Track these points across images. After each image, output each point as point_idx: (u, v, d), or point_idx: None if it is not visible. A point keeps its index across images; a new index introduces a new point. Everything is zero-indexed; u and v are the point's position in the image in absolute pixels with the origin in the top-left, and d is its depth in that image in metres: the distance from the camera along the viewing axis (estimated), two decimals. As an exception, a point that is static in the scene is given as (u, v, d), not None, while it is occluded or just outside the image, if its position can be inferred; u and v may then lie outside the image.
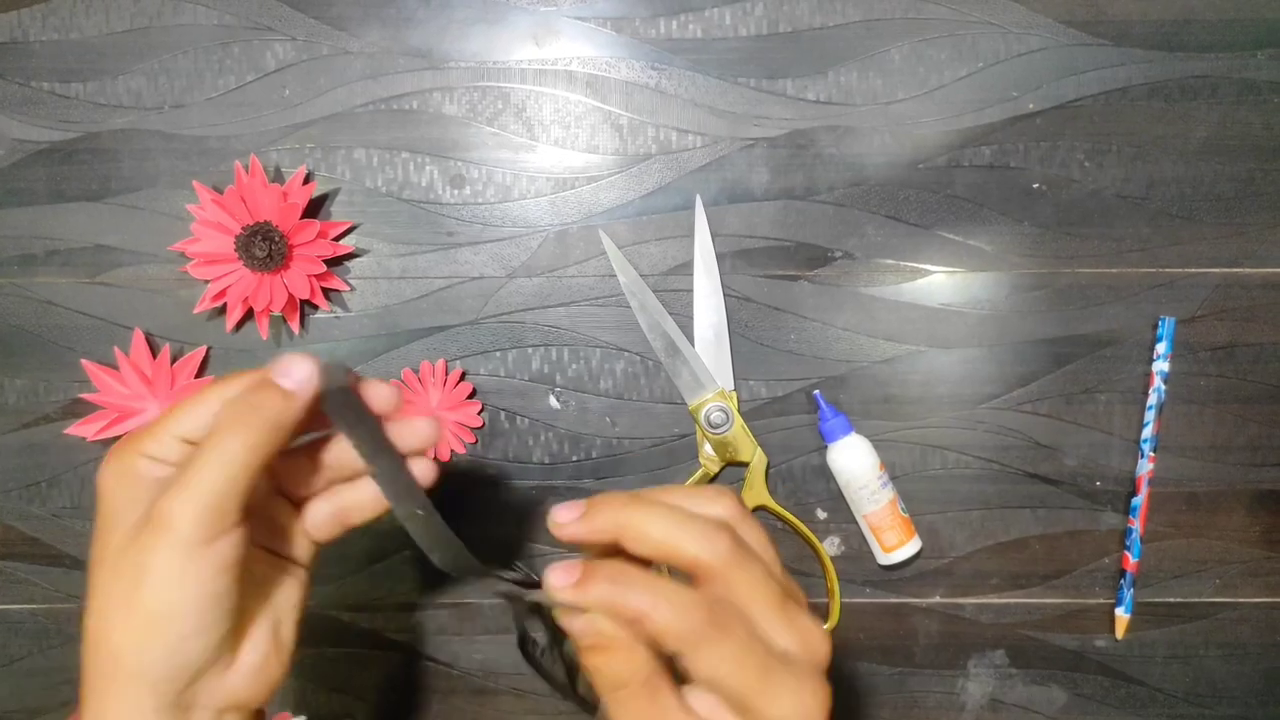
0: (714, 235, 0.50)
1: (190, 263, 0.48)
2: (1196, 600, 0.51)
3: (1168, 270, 0.50)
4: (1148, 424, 0.50)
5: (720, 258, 0.50)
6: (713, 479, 0.50)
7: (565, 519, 0.29)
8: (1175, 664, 0.51)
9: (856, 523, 0.50)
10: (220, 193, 0.48)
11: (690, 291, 0.50)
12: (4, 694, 0.51)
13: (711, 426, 0.49)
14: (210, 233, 0.48)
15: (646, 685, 0.27)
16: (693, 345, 0.50)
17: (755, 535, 0.30)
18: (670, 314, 0.50)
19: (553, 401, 0.51)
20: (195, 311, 0.49)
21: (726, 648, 0.27)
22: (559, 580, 0.28)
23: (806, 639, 0.28)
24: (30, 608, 0.51)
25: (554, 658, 0.35)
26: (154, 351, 0.49)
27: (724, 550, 0.28)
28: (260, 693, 0.31)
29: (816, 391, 0.50)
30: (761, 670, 0.27)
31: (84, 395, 0.49)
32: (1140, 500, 0.50)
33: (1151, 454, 0.50)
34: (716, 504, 0.29)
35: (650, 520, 0.28)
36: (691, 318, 0.50)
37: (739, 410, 0.50)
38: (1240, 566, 0.51)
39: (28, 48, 0.50)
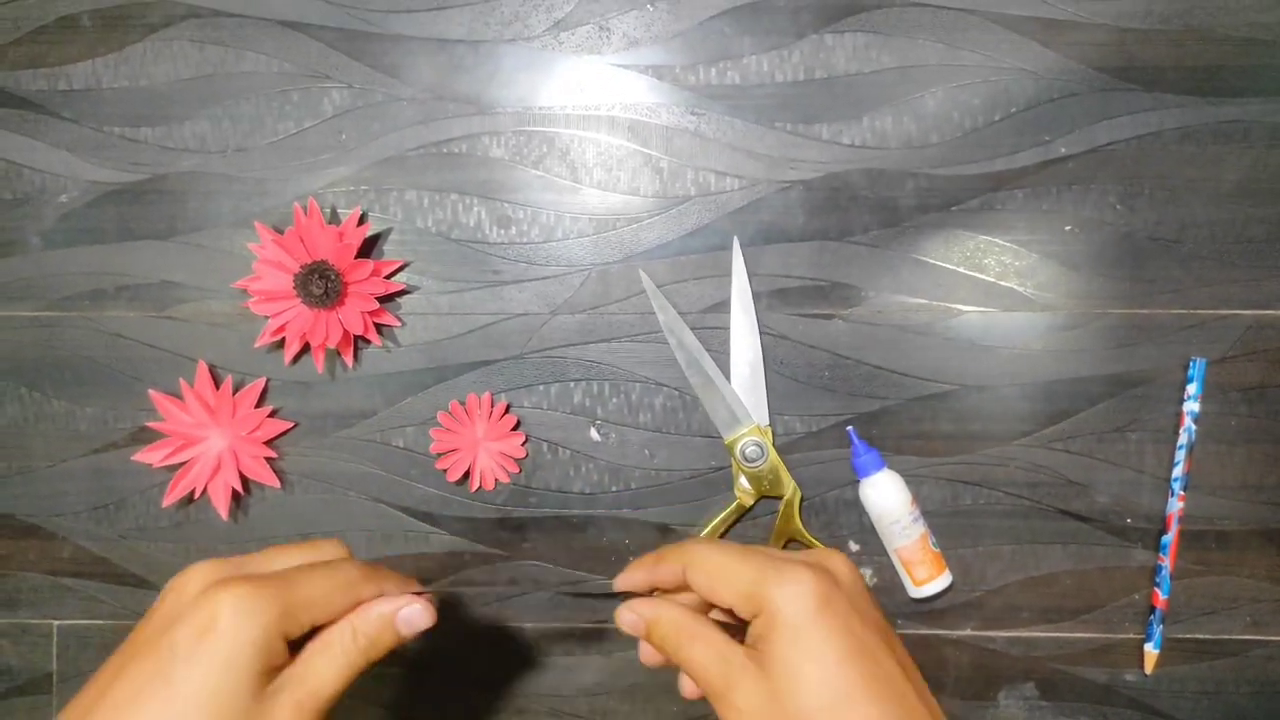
0: (751, 275, 0.52)
1: (251, 299, 0.51)
2: (1227, 637, 0.52)
3: (1199, 312, 0.51)
4: (1178, 463, 0.51)
5: (757, 296, 0.52)
6: (747, 511, 0.52)
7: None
8: (1205, 700, 0.52)
9: (888, 555, 0.51)
10: (280, 233, 0.51)
11: (727, 329, 0.52)
12: (72, 706, 0.54)
13: (747, 460, 0.51)
14: (270, 271, 0.51)
15: (685, 629, 0.34)
16: (729, 381, 0.51)
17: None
18: (708, 351, 0.51)
19: (594, 434, 0.53)
20: (256, 345, 0.52)
21: (714, 553, 0.35)
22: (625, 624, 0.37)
23: (781, 563, 0.34)
24: (98, 623, 0.54)
25: None
26: (216, 382, 0.52)
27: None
28: None
29: (850, 427, 0.51)
30: (743, 560, 0.34)
31: (150, 424, 0.52)
32: (1170, 538, 0.51)
33: (1182, 492, 0.51)
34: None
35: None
36: (728, 354, 0.52)
37: (774, 445, 0.51)
38: (1271, 604, 0.52)
39: (100, 94, 0.53)
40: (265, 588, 0.32)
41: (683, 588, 0.37)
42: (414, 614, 0.36)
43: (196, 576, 0.33)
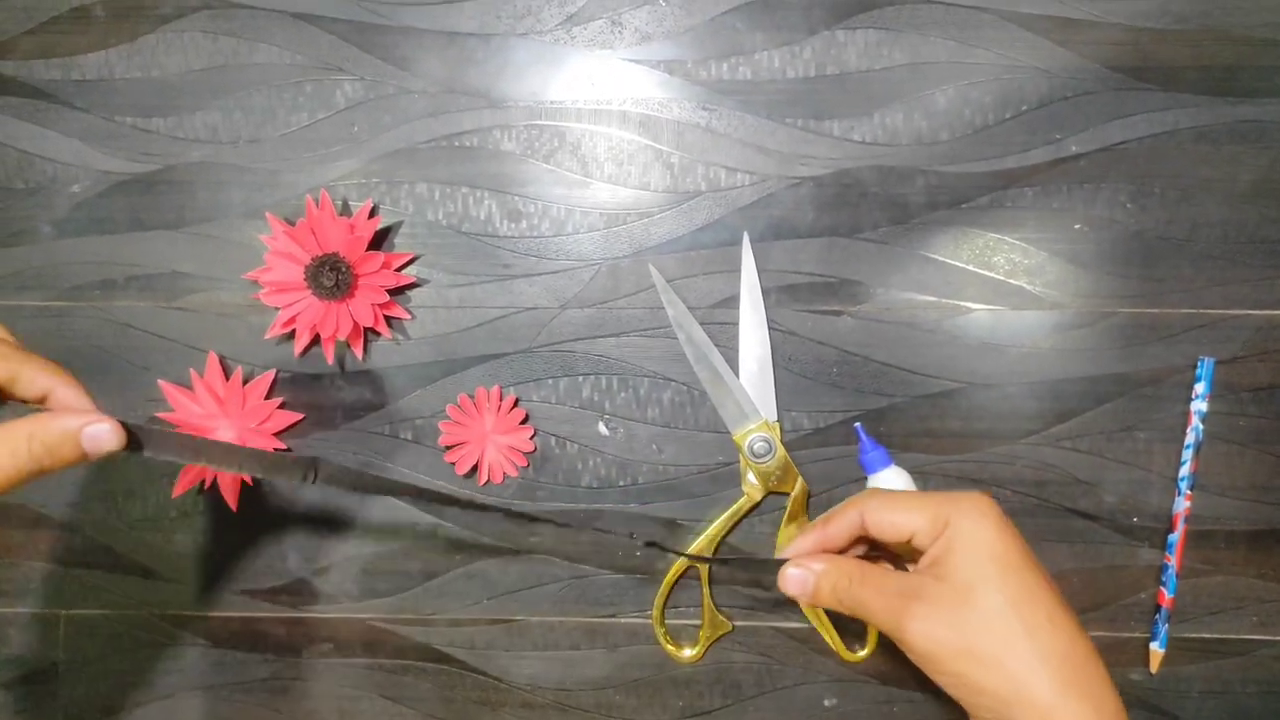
0: (760, 270, 0.52)
1: (262, 290, 0.51)
2: (1233, 637, 0.52)
3: (1209, 311, 0.51)
4: (1185, 462, 0.51)
5: (766, 292, 0.52)
6: (755, 507, 0.52)
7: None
8: (1211, 699, 0.52)
9: (895, 553, 0.51)
10: (291, 224, 0.51)
11: (736, 324, 0.52)
12: (80, 694, 0.54)
13: (755, 456, 0.51)
14: (281, 262, 0.51)
15: (854, 573, 0.36)
16: (738, 377, 0.51)
17: None
18: (716, 346, 0.51)
19: (602, 428, 0.53)
20: (266, 337, 0.52)
21: (887, 496, 0.38)
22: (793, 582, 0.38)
23: (958, 492, 0.37)
24: (104, 613, 0.54)
25: None
26: (226, 373, 0.52)
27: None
28: None
29: (858, 424, 0.51)
30: (919, 496, 0.38)
31: (160, 414, 0.52)
32: (1177, 537, 0.51)
33: (1189, 492, 0.51)
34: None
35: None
36: (737, 350, 0.52)
37: (782, 440, 0.51)
38: (1277, 604, 0.52)
39: (113, 85, 0.53)
40: None
41: (848, 548, 0.39)
42: (101, 433, 0.34)
43: None
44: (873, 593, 0.36)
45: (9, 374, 0.34)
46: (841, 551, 0.39)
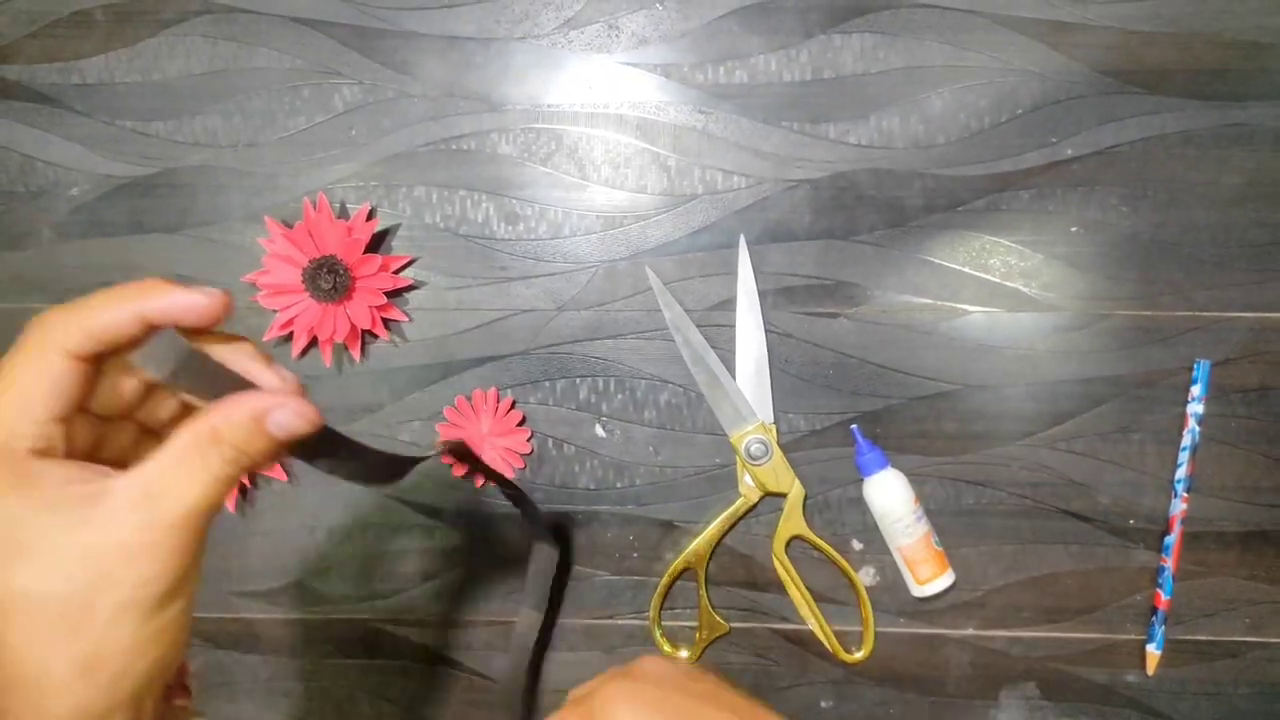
0: (757, 273, 0.52)
1: (260, 293, 0.51)
2: (1227, 639, 0.52)
3: (1202, 314, 0.51)
4: (1181, 464, 0.51)
5: (762, 295, 0.52)
6: (752, 509, 0.52)
7: None
8: (1205, 701, 0.52)
9: (891, 554, 0.52)
10: (290, 227, 0.51)
11: (733, 327, 0.52)
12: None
13: (751, 458, 0.51)
14: (279, 265, 0.51)
15: None
16: (734, 379, 0.52)
17: None
18: (713, 348, 0.52)
19: (599, 430, 0.53)
20: (264, 339, 0.52)
21: None
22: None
23: None
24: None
25: None
26: (224, 376, 0.52)
27: None
28: None
29: (854, 426, 0.52)
30: None
31: (158, 416, 0.52)
32: (1173, 539, 0.51)
33: (1185, 494, 0.51)
34: None
35: None
36: (733, 352, 0.52)
37: (778, 442, 0.52)
38: (1271, 606, 0.52)
39: (113, 89, 0.53)
40: (46, 315, 0.27)
41: None
42: (288, 416, 0.28)
43: None
44: None
45: (162, 310, 0.27)
46: None
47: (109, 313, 0.27)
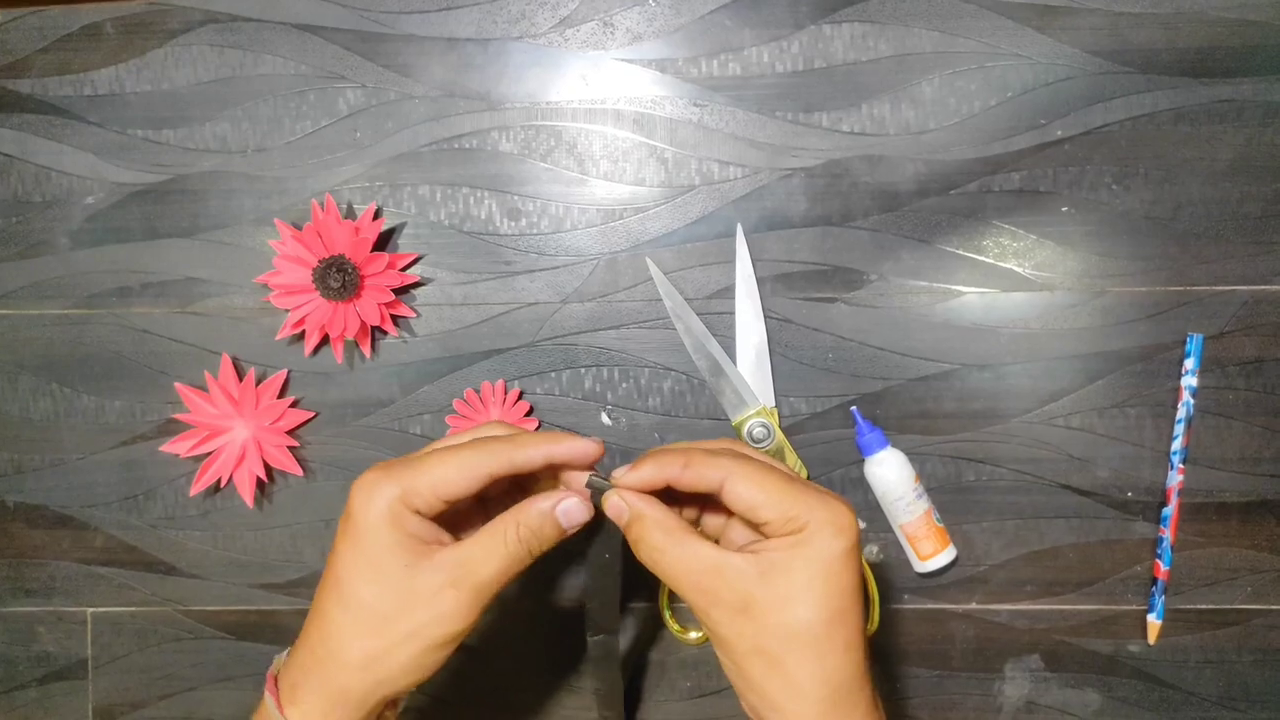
0: (755, 261, 0.53)
1: (272, 293, 0.52)
2: (1228, 607, 0.53)
3: (1196, 288, 0.52)
4: (1177, 437, 0.52)
5: (761, 282, 0.53)
6: (756, 491, 0.53)
7: (626, 474, 0.38)
8: (1208, 669, 0.53)
9: (893, 531, 0.53)
10: (299, 229, 0.53)
11: (733, 314, 0.53)
12: (107, 688, 0.56)
13: (754, 441, 0.52)
14: (290, 266, 0.52)
15: (673, 535, 0.36)
16: (735, 365, 0.53)
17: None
18: (714, 335, 0.53)
19: (604, 419, 0.54)
20: (277, 338, 0.53)
21: (756, 470, 0.35)
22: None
23: (826, 496, 0.36)
24: (130, 610, 0.56)
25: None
26: (240, 374, 0.54)
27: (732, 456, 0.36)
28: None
29: (854, 408, 0.53)
30: (789, 484, 0.35)
31: (177, 415, 0.54)
32: (1171, 510, 0.52)
33: (1181, 465, 0.52)
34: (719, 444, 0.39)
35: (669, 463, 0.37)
36: (734, 339, 0.53)
37: (780, 426, 0.53)
38: (1272, 574, 0.53)
39: (124, 99, 0.55)
40: (387, 469, 0.36)
41: (698, 497, 0.38)
42: (571, 508, 0.37)
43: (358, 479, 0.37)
44: (684, 565, 0.35)
45: (504, 465, 0.36)
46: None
47: (530, 453, 0.37)
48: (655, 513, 0.36)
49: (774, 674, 0.34)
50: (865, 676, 0.35)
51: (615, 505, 0.37)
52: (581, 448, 0.37)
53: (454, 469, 0.36)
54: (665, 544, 0.36)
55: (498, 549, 0.36)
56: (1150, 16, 0.52)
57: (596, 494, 0.37)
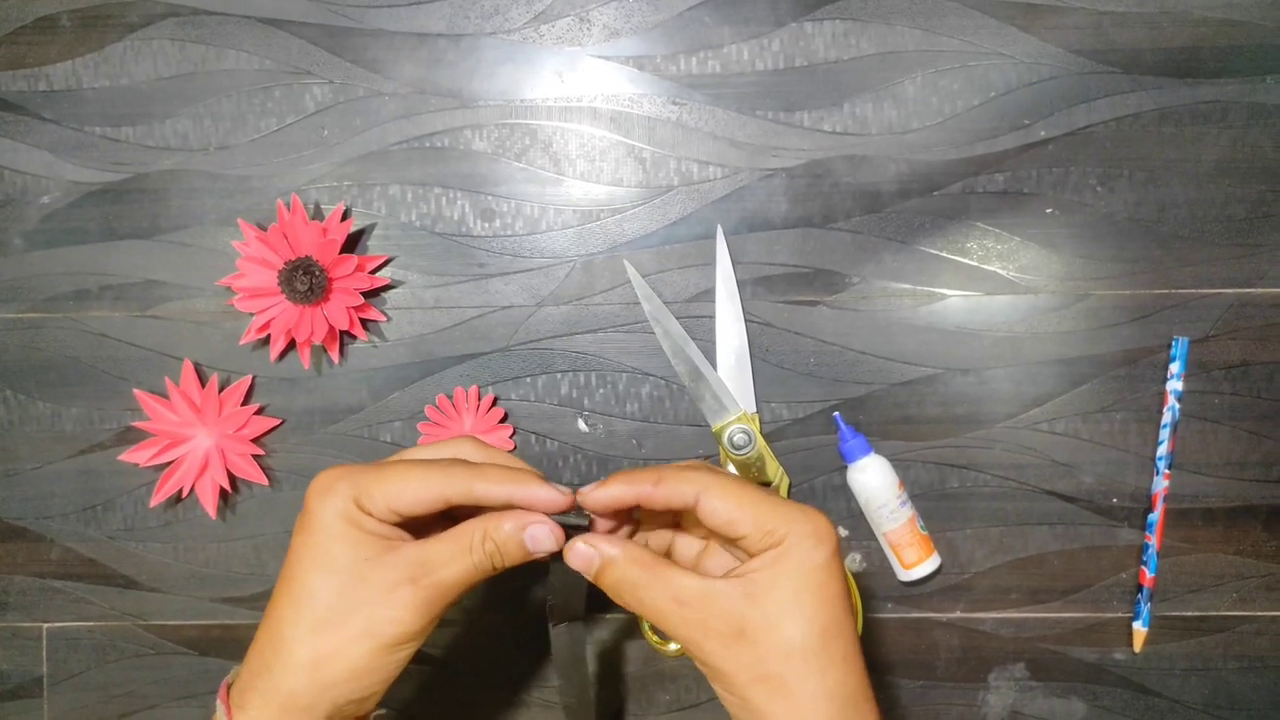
0: (735, 263, 0.52)
1: (236, 296, 0.51)
2: (1214, 614, 0.52)
3: (1181, 291, 0.51)
4: (1163, 442, 0.51)
5: (741, 284, 0.52)
6: (736, 499, 0.52)
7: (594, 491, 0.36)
8: (1194, 676, 0.52)
9: (877, 539, 0.52)
10: (264, 229, 0.51)
11: (712, 317, 0.52)
12: (64, 707, 0.53)
13: (735, 448, 0.51)
14: (254, 268, 0.51)
15: (652, 569, 0.34)
16: (715, 369, 0.52)
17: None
18: (693, 339, 0.52)
19: (581, 425, 0.53)
20: (241, 343, 0.52)
21: (730, 484, 0.34)
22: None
23: (802, 507, 0.35)
24: (88, 625, 0.53)
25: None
26: (202, 381, 0.52)
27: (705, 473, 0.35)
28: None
29: (836, 413, 0.51)
30: (764, 498, 0.34)
31: (136, 423, 0.52)
32: (1156, 516, 0.51)
33: (1167, 471, 0.51)
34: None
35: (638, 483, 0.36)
36: (714, 343, 0.52)
37: (761, 432, 0.52)
38: (1257, 581, 0.52)
39: (81, 95, 0.53)
40: (346, 471, 0.35)
41: (669, 514, 0.37)
42: (539, 535, 0.35)
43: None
44: (666, 600, 0.34)
45: (462, 494, 0.35)
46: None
47: (492, 489, 0.35)
48: (628, 551, 0.35)
49: (778, 697, 0.33)
50: (867, 688, 0.35)
51: (582, 554, 0.35)
52: (546, 497, 0.35)
53: (411, 487, 0.35)
54: (645, 579, 0.34)
55: (462, 554, 0.35)
56: (1134, 16, 0.51)
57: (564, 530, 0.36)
